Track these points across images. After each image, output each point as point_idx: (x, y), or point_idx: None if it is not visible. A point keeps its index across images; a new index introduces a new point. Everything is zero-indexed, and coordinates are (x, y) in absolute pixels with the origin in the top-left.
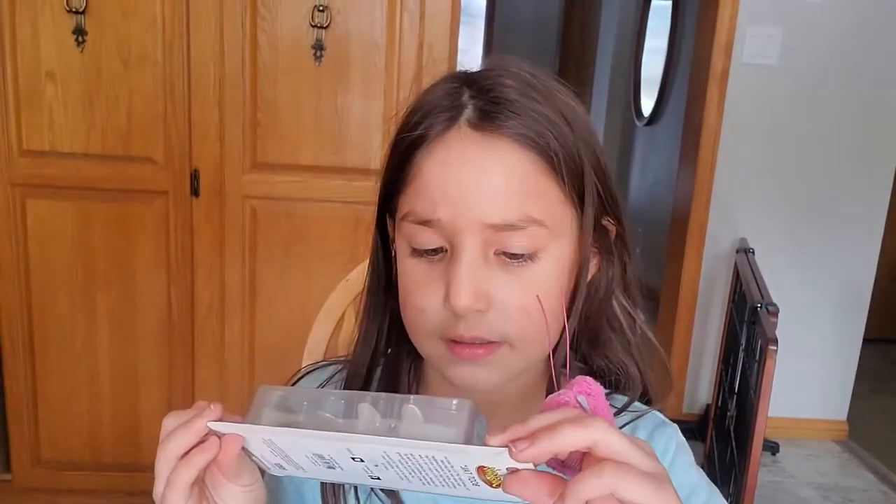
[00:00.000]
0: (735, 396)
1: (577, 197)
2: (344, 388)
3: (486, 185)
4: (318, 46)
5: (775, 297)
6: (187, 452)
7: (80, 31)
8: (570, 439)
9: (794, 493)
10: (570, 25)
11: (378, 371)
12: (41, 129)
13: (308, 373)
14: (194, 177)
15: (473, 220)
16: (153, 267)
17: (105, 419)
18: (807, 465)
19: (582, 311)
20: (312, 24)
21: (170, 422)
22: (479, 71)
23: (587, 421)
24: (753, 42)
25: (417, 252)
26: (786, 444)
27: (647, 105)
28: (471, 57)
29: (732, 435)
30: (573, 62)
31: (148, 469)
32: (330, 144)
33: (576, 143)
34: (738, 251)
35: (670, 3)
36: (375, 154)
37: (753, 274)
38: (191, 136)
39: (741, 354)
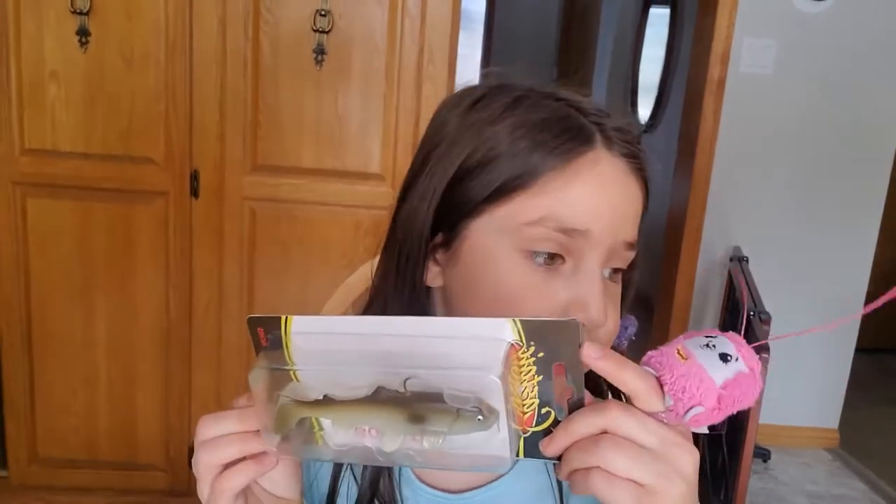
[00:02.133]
0: None
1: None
2: None
3: (631, 208)
4: (320, 50)
5: (768, 305)
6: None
7: (83, 32)
8: (584, 427)
9: (786, 501)
10: (568, 33)
11: None
12: (43, 128)
13: None
14: (194, 178)
15: (617, 238)
16: (152, 267)
17: (102, 417)
18: (798, 473)
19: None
20: (314, 28)
21: (210, 424)
22: (606, 108)
23: (601, 407)
24: (750, 52)
25: (536, 261)
26: (777, 452)
27: (644, 113)
28: (470, 62)
29: (724, 442)
30: (571, 68)
31: (144, 467)
32: (330, 148)
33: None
34: (731, 259)
35: (668, 11)
36: (375, 158)
37: (747, 282)
38: (191, 137)
39: None
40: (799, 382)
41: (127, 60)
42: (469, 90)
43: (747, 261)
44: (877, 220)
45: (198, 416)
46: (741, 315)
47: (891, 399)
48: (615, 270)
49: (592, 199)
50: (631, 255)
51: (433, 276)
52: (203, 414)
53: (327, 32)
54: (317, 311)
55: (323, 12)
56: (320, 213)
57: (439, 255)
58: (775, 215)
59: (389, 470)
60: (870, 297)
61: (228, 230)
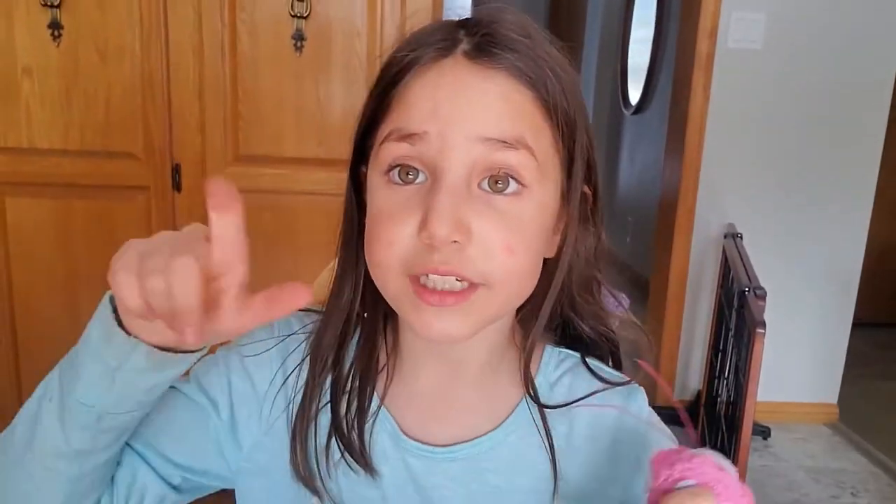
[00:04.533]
0: (725, 381)
1: (566, 149)
2: (311, 351)
3: (481, 102)
4: (299, 36)
5: (763, 281)
6: None
7: (55, 26)
8: None
9: (786, 477)
10: (556, 14)
11: (355, 334)
12: (18, 125)
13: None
14: (176, 171)
15: (464, 135)
16: None
17: None
18: (797, 449)
19: (566, 270)
20: (292, 13)
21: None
22: (475, 15)
23: None
24: (738, 26)
25: (392, 179)
26: (777, 429)
27: (635, 94)
28: None
29: (723, 420)
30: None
31: None
32: (313, 136)
33: (568, 96)
34: (726, 236)
35: None
36: None
37: (741, 259)
38: (171, 129)
39: (731, 340)
40: (796, 359)
41: (101, 53)
42: None
43: (742, 237)
44: (871, 194)
45: None
46: (736, 290)
47: (888, 373)
48: (496, 182)
49: (428, 100)
50: (512, 154)
51: None
52: None
53: (305, 18)
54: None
55: None
56: (305, 202)
57: None
58: (769, 192)
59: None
60: (865, 273)
61: None
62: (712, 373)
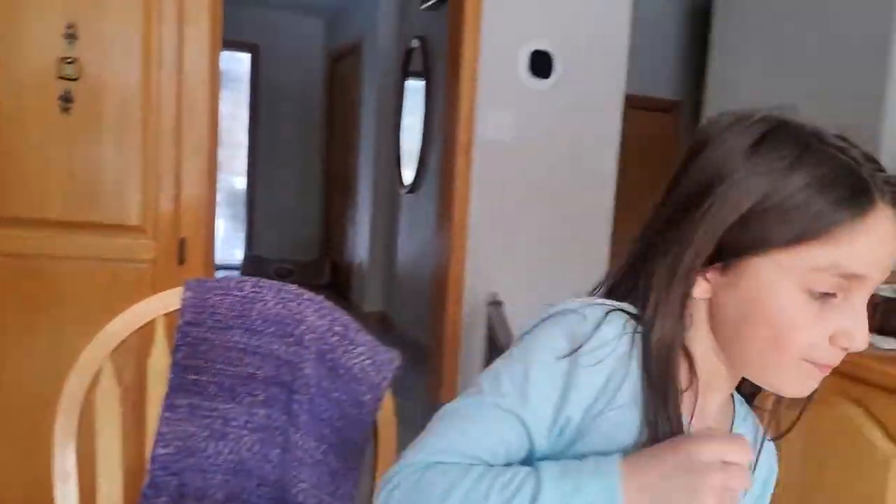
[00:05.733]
0: None
1: None
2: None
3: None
4: (67, 98)
5: None
6: None
7: None
8: None
9: None
10: (333, 97)
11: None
12: None
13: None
14: None
15: (883, 278)
16: None
17: None
18: None
19: None
20: (61, 75)
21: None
22: (853, 148)
23: None
24: (491, 122)
25: (811, 293)
26: None
27: (409, 175)
28: (237, 121)
29: None
30: (338, 131)
31: None
32: (82, 199)
33: None
34: (489, 304)
35: (424, 83)
36: (134, 210)
37: (501, 324)
38: None
39: None
40: None
41: None
42: (745, 124)
43: (502, 305)
44: (602, 265)
45: None
46: (497, 350)
47: None
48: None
49: (875, 251)
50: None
51: (702, 289)
52: None
53: (75, 80)
54: (72, 364)
55: (69, 59)
56: (72, 267)
57: (710, 274)
58: (525, 263)
59: None
60: None
61: None
62: None
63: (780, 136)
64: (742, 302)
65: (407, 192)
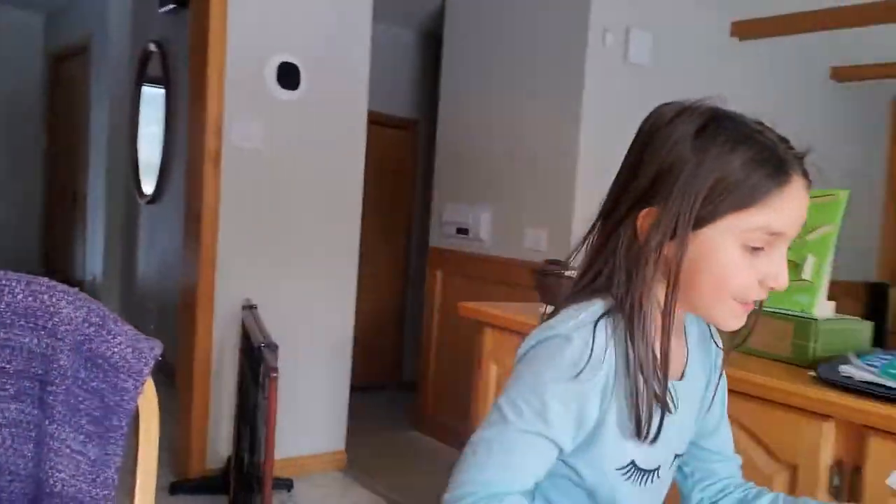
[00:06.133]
0: (248, 445)
1: None
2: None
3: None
4: None
5: (278, 339)
6: None
7: None
8: None
9: None
10: (55, 101)
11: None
12: None
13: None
14: None
15: (795, 235)
16: None
17: None
18: (318, 494)
19: None
20: None
21: None
22: (771, 131)
23: None
24: (239, 130)
25: (746, 248)
26: (299, 481)
27: (148, 185)
28: None
29: (254, 482)
30: (62, 140)
31: None
32: None
33: None
34: (243, 308)
35: (164, 91)
36: None
37: (256, 324)
38: None
39: (255, 410)
40: (310, 416)
41: None
42: (688, 114)
43: (256, 307)
44: (354, 270)
45: None
46: (254, 349)
47: (384, 423)
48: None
49: (794, 212)
50: None
51: (661, 257)
52: None
53: None
54: None
55: None
56: None
57: (667, 246)
58: (278, 269)
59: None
60: (358, 337)
61: None
62: (240, 439)
63: (719, 123)
64: (694, 258)
65: (147, 203)
